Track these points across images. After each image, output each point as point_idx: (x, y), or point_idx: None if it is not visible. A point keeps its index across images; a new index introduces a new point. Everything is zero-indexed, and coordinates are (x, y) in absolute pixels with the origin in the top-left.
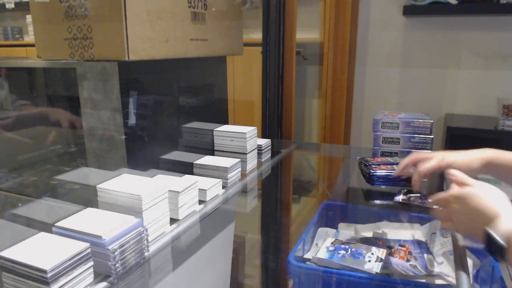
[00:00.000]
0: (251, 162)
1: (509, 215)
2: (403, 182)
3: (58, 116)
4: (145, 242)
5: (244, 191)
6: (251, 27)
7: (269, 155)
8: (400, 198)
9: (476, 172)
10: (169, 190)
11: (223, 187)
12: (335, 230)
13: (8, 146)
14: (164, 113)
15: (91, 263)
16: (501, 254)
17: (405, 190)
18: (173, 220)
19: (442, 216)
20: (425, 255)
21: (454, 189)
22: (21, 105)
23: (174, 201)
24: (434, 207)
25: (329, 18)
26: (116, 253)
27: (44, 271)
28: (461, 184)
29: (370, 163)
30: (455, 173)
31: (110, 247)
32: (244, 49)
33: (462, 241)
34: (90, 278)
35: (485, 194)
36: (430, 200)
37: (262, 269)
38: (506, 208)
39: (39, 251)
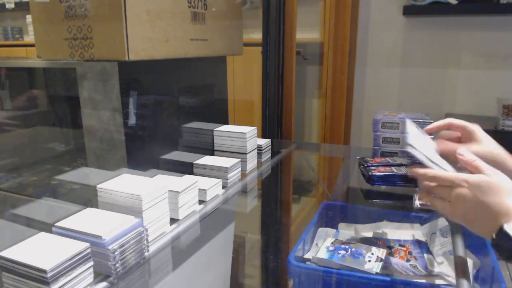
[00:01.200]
0: (251, 162)
1: None
2: (403, 182)
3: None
4: (145, 242)
5: (244, 191)
6: (251, 27)
7: (269, 155)
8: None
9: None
10: (169, 190)
11: (223, 187)
12: (335, 230)
13: (8, 146)
14: (164, 113)
15: (91, 263)
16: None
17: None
18: (173, 220)
19: (440, 195)
20: (425, 255)
21: (469, 175)
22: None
23: (174, 201)
24: (427, 183)
25: (329, 18)
26: (116, 253)
27: (44, 271)
28: (472, 168)
29: (368, 164)
30: (465, 154)
31: (110, 247)
32: (244, 49)
33: (462, 242)
34: (90, 278)
35: (502, 187)
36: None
37: (262, 269)
38: None
39: (39, 251)
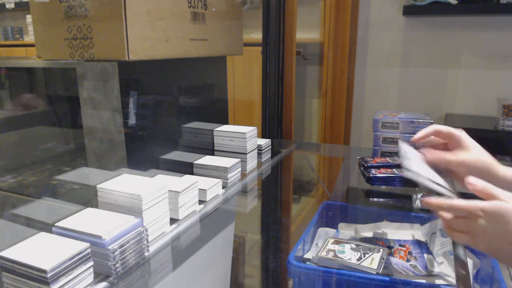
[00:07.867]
0: (251, 162)
1: None
2: (404, 183)
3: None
4: (145, 242)
5: (244, 191)
6: (251, 27)
7: (269, 155)
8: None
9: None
10: (169, 190)
11: (223, 187)
12: (335, 230)
13: (8, 146)
14: (164, 113)
15: (91, 263)
16: None
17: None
18: (173, 220)
19: (459, 228)
20: (425, 255)
21: (484, 203)
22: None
23: (174, 201)
24: (445, 214)
25: (329, 18)
26: (116, 253)
27: (44, 271)
28: (485, 195)
29: (369, 164)
30: (475, 182)
31: (110, 247)
32: (244, 49)
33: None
34: (90, 278)
35: None
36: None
37: (262, 269)
38: None
39: (39, 251)
